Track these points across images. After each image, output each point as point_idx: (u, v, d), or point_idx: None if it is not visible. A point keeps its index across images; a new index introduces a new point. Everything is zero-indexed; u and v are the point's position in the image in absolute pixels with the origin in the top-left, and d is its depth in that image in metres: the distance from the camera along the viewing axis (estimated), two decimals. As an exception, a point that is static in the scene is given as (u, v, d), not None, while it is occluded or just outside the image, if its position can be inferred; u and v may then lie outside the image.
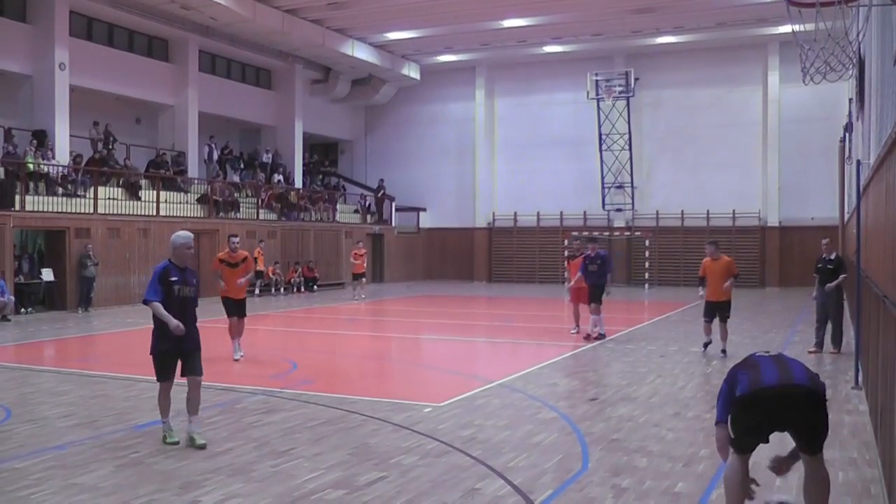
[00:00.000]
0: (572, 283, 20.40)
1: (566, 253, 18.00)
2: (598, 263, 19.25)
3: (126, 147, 34.29)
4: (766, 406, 6.10)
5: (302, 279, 36.77)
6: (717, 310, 17.05)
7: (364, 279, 31.67)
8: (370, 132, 49.27)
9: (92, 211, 28.73)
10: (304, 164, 43.79)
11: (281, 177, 40.52)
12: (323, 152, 49.57)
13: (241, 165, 40.26)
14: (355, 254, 31.34)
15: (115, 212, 29.67)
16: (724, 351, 16.70)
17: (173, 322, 9.16)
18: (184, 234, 9.70)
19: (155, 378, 9.64)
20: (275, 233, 36.17)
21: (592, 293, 19.27)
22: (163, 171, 34.00)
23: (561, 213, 43.32)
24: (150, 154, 35.42)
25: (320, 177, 46.13)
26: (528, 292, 36.71)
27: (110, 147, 32.86)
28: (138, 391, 12.54)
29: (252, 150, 42.29)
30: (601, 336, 19.20)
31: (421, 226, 46.95)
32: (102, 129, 33.04)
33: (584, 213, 43.00)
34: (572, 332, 20.19)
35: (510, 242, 44.88)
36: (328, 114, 46.35)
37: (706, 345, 17.20)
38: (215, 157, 37.75)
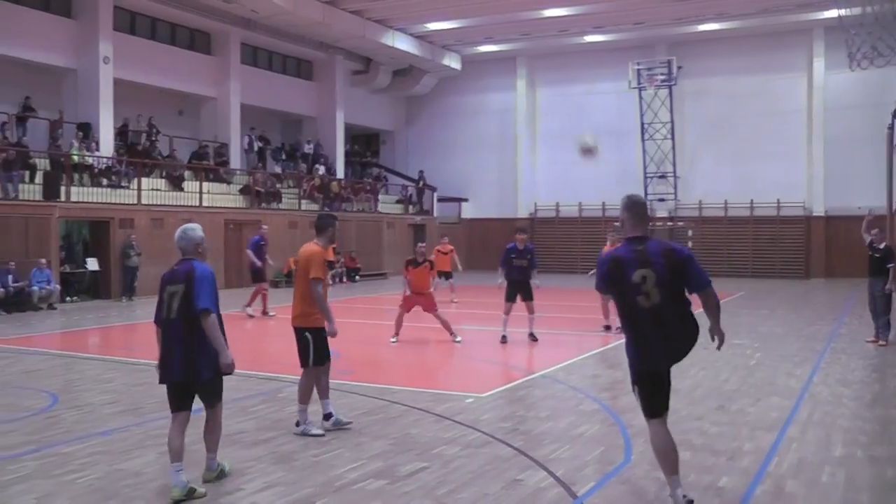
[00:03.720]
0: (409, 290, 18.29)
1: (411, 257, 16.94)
2: (527, 258, 17.73)
3: (169, 139, 34.56)
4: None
5: (344, 269, 36.83)
6: None
7: (451, 280, 27.98)
8: (411, 122, 49.32)
9: (136, 202, 28.98)
10: (345, 155, 43.95)
11: (322, 167, 40.64)
12: (364, 143, 49.63)
13: (283, 156, 40.45)
14: (438, 251, 28.39)
15: (159, 202, 29.92)
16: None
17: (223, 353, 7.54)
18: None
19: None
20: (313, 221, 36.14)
21: (524, 290, 17.76)
22: (205, 163, 34.33)
23: (603, 203, 43.03)
24: (192, 146, 35.73)
25: (360, 167, 46.24)
26: (569, 283, 36.50)
27: (153, 139, 33.19)
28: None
29: (294, 141, 42.41)
30: (534, 339, 17.77)
31: (462, 216, 46.86)
32: (146, 121, 33.38)
33: (627, 204, 42.62)
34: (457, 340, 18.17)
35: (552, 233, 44.66)
36: (369, 104, 46.35)
37: None
38: (256, 148, 37.96)
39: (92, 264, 27.95)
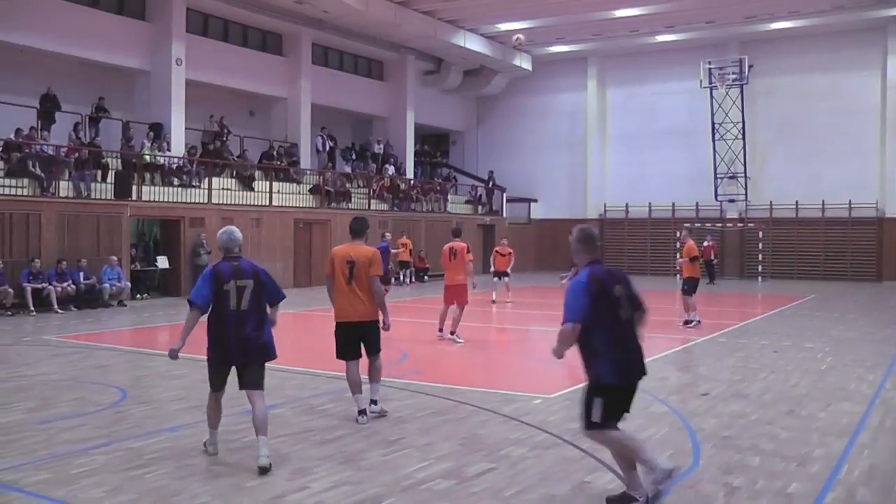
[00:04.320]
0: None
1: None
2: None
3: (240, 139, 34.90)
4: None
5: (413, 269, 36.91)
6: None
7: (507, 279, 27.87)
8: (481, 123, 49.29)
9: (206, 201, 29.27)
10: (415, 155, 44.08)
11: (392, 167, 40.76)
12: (434, 143, 49.70)
13: (353, 156, 40.58)
14: (497, 252, 28.29)
15: (229, 202, 30.20)
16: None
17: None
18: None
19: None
20: (386, 223, 36.13)
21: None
22: (275, 163, 34.58)
23: (673, 204, 42.75)
24: (263, 146, 35.94)
25: (429, 167, 46.33)
26: (639, 284, 36.23)
27: (224, 139, 33.53)
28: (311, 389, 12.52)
29: (364, 140, 42.51)
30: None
31: (532, 217, 46.80)
32: (217, 121, 33.72)
33: (697, 204, 42.34)
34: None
35: (622, 234, 44.43)
36: (439, 104, 46.42)
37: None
38: (327, 148, 38.10)
39: (162, 262, 28.30)
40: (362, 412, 10.13)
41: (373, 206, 36.87)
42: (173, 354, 8.36)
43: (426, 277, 37.34)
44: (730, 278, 40.34)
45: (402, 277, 35.40)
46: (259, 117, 37.80)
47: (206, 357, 8.56)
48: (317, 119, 38.04)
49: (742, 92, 40.63)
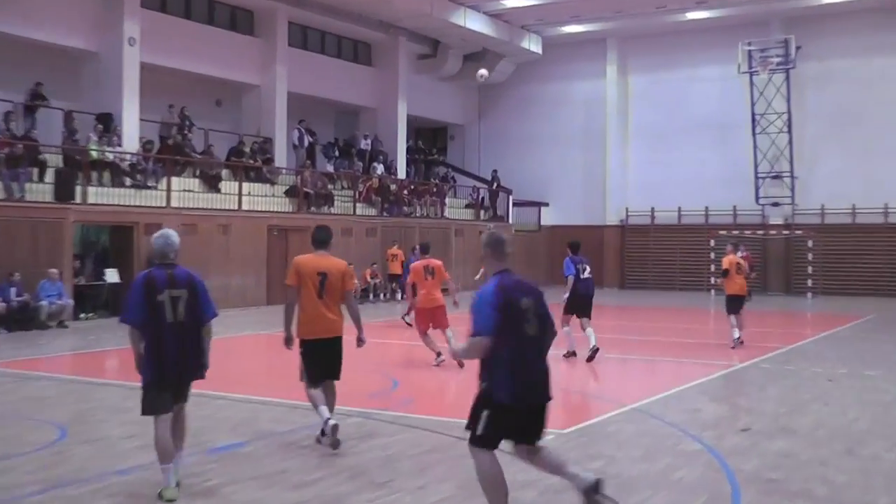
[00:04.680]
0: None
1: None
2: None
3: (204, 133, 34.91)
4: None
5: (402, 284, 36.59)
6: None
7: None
8: (484, 115, 49.52)
9: (164, 204, 29.12)
10: (407, 152, 44.20)
11: (381, 166, 40.85)
12: (430, 138, 49.91)
13: (336, 153, 40.70)
14: None
15: (191, 205, 30.09)
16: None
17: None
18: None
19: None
20: (374, 230, 36.32)
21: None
22: (246, 160, 34.58)
23: (706, 208, 42.85)
24: (231, 140, 35.92)
25: (424, 166, 46.41)
26: (667, 301, 36.29)
27: (186, 132, 33.40)
28: (213, 409, 12.59)
29: (348, 135, 42.73)
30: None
31: (542, 223, 46.79)
32: (178, 112, 33.56)
33: (734, 208, 42.41)
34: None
35: (646, 242, 44.60)
36: (436, 94, 46.61)
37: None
38: (306, 143, 38.12)
39: (111, 276, 27.97)
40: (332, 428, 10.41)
41: (359, 211, 36.93)
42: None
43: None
44: (774, 294, 40.31)
45: (381, 293, 35.55)
46: (227, 108, 37.83)
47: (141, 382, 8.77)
48: (294, 110, 38.00)
49: (788, 78, 40.66)
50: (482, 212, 44.82)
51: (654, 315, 30.31)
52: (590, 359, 17.93)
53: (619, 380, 17.30)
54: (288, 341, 10.82)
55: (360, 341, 11.00)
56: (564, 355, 18.31)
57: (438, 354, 17.63)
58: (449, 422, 12.08)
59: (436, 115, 47.69)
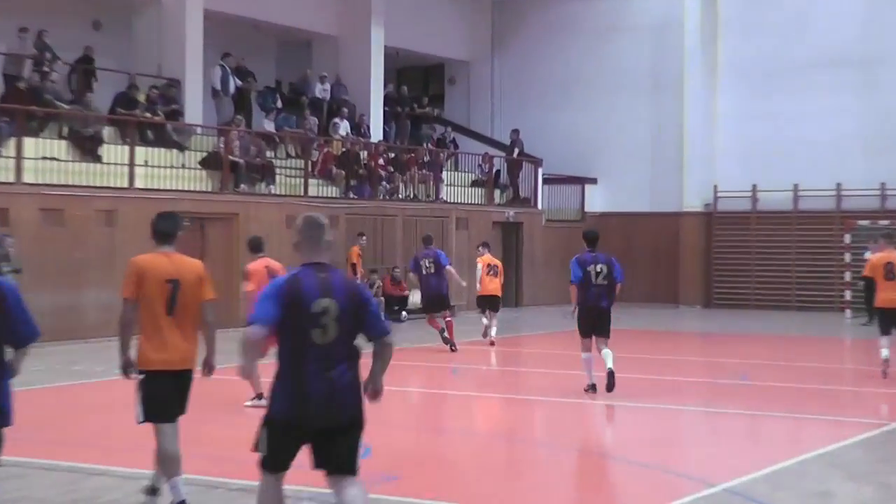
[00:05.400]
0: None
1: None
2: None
3: (75, 71, 34.83)
4: None
5: (382, 300, 36.48)
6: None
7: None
8: (500, 48, 49.63)
9: (13, 179, 29.00)
10: (385, 104, 44.23)
11: (346, 123, 40.88)
12: (419, 83, 50.19)
13: (278, 103, 40.60)
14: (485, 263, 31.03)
15: (55, 181, 30.13)
16: None
17: None
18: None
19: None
20: (335, 219, 35.43)
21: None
22: (141, 113, 34.25)
23: (838, 186, 42.75)
24: (117, 83, 35.77)
25: (410, 123, 46.28)
26: (776, 325, 36.35)
27: (47, 70, 33.23)
28: (93, 490, 12.51)
29: (297, 77, 42.76)
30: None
31: (587, 209, 47.07)
32: (33, 38, 33.34)
33: (882, 186, 42.30)
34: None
35: (744, 238, 44.64)
36: (427, 17, 46.82)
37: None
38: (233, 89, 38.08)
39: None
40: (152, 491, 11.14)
41: (312, 191, 36.84)
42: None
43: (405, 314, 37.30)
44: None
45: None
46: (110, 33, 37.61)
47: None
48: (214, 38, 37.97)
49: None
50: (497, 192, 44.97)
51: (757, 347, 30.44)
52: (610, 387, 19.25)
53: (704, 445, 17.30)
54: (127, 368, 10.89)
55: (207, 367, 11.22)
56: (585, 389, 19.67)
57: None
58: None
59: (427, 49, 47.84)
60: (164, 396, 10.78)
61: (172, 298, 10.67)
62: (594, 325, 19.83)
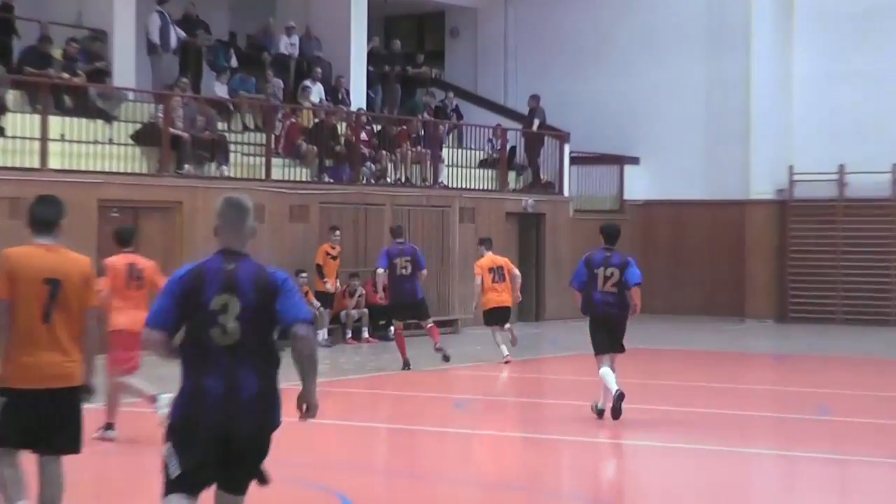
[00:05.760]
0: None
1: None
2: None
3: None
4: None
5: (365, 311, 36.41)
6: None
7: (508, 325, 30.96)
8: (514, -7, 49.26)
9: None
10: (370, 62, 44.10)
11: (319, 87, 40.42)
12: (412, 35, 50.33)
13: (233, 62, 40.23)
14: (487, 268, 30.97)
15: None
16: None
17: None
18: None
19: None
20: (305, 209, 36.17)
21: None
22: (56, 73, 33.85)
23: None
24: (27, 34, 35.47)
25: (401, 88, 46.26)
26: (872, 344, 36.57)
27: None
28: None
29: (257, 29, 42.49)
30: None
31: (626, 197, 46.89)
32: None
33: None
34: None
35: (829, 233, 44.19)
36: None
37: None
38: (174, 43, 37.72)
39: None
40: None
41: (276, 173, 36.40)
42: None
43: (391, 330, 35.98)
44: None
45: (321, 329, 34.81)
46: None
47: None
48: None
49: None
50: (512, 175, 44.67)
51: (844, 372, 30.53)
52: (615, 412, 20.01)
53: (780, 499, 17.10)
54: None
55: (85, 392, 11.05)
56: (593, 407, 20.76)
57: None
58: None
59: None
60: (20, 422, 10.61)
61: (50, 302, 10.53)
62: (606, 339, 20.31)
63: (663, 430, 21.63)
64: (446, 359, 28.53)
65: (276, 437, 10.96)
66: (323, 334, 34.45)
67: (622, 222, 43.50)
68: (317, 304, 34.67)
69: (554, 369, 28.07)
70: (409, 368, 28.56)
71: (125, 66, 36.43)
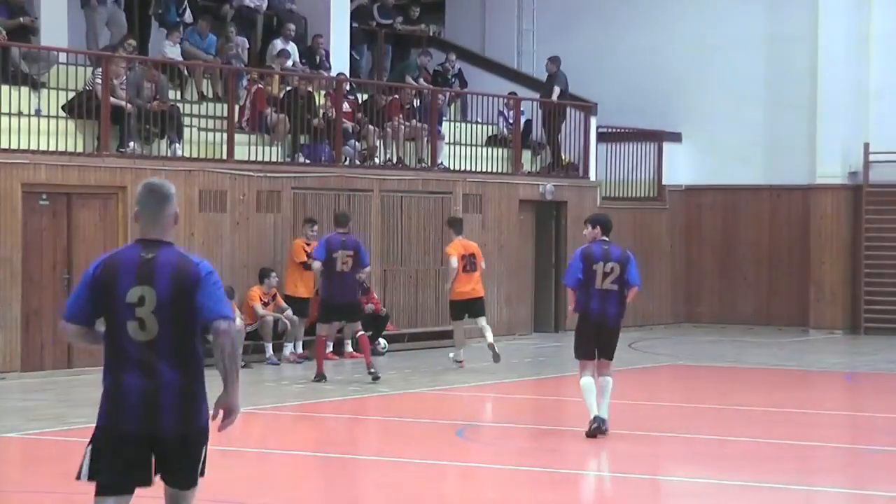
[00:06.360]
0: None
1: None
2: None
3: None
4: None
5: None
6: None
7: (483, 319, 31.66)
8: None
9: None
10: (354, 18, 44.27)
11: (292, 47, 40.69)
12: None
13: (187, 16, 40.30)
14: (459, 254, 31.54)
15: None
16: None
17: None
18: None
19: None
20: (275, 196, 36.30)
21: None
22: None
23: None
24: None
25: (394, 49, 46.70)
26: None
27: None
28: None
29: (216, -21, 42.41)
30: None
31: (666, 181, 47.08)
32: None
33: None
34: None
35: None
36: None
37: None
38: (115, -4, 37.73)
39: None
40: None
41: (240, 153, 36.35)
42: None
43: (383, 343, 36.95)
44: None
45: (290, 339, 35.48)
46: None
47: None
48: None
49: None
50: (528, 155, 44.84)
51: None
52: (593, 432, 21.29)
53: None
54: None
55: None
56: (587, 433, 21.52)
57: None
58: None
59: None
60: None
61: None
62: (597, 342, 21.17)
63: (711, 464, 21.76)
64: (376, 378, 29.44)
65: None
66: (295, 347, 35.09)
67: (660, 212, 44.36)
68: (285, 307, 34.96)
69: (576, 391, 28.31)
70: (324, 381, 29.66)
71: (55, 21, 36.37)
